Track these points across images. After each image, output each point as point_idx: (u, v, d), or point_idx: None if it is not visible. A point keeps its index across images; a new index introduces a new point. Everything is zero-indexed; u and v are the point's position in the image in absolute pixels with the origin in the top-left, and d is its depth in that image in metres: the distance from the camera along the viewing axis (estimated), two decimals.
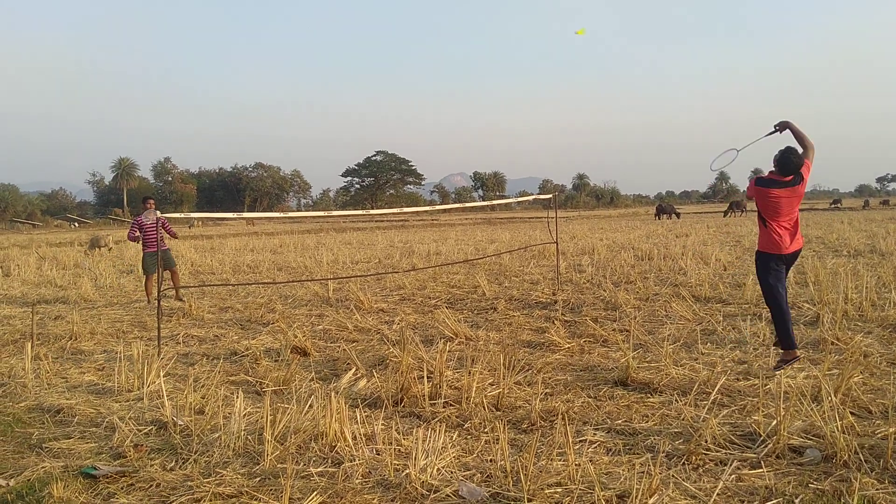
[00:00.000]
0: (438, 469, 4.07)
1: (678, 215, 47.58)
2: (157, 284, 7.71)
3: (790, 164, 5.98)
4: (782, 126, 6.37)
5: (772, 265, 6.14)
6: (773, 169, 6.12)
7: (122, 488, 4.00)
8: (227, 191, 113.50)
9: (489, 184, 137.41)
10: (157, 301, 7.54)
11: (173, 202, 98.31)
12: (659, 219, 46.31)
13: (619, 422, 4.92)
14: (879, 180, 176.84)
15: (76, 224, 73.49)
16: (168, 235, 12.36)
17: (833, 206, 67.16)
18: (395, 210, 11.34)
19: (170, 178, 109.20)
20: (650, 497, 3.52)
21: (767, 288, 6.18)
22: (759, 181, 6.16)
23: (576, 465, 4.01)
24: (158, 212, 11.09)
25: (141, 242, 11.67)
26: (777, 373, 5.94)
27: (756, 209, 6.28)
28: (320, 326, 9.08)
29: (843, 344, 6.80)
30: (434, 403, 5.39)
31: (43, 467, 4.32)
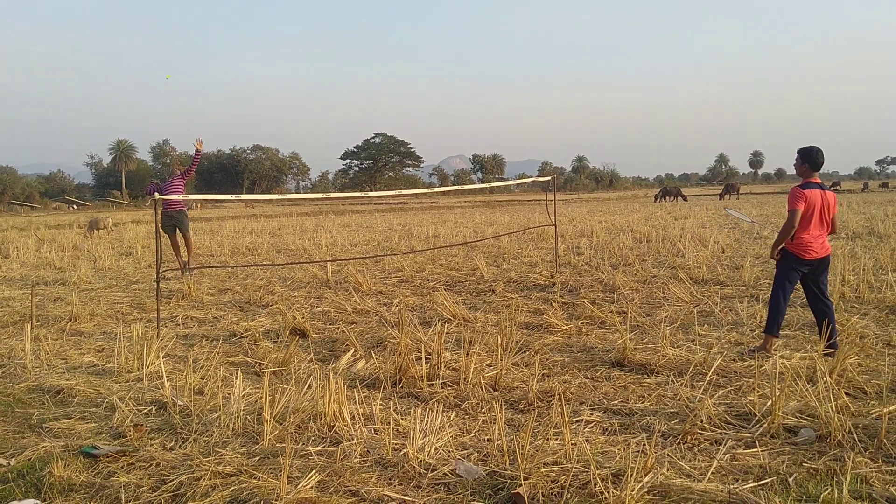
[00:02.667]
0: (436, 448, 4.10)
1: (684, 198, 47.36)
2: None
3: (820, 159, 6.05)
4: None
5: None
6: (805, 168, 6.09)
7: (122, 467, 4.03)
8: (225, 173, 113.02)
9: (488, 166, 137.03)
10: (155, 283, 7.56)
11: None
12: (657, 202, 46.21)
13: (616, 402, 4.96)
14: (879, 163, 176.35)
15: (74, 206, 73.35)
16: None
17: (832, 188, 67.09)
18: (393, 192, 11.34)
19: (168, 161, 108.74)
20: (645, 475, 3.55)
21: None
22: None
23: (572, 444, 4.04)
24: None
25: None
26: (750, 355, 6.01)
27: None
28: (319, 308, 9.11)
29: (840, 325, 6.83)
30: (432, 384, 5.42)
31: (43, 447, 4.35)
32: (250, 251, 17.89)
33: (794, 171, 6.36)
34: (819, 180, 6.11)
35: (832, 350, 5.85)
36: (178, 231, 12.54)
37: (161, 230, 11.84)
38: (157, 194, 10.22)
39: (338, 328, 7.79)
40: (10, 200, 77.44)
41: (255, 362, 6.32)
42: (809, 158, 6.07)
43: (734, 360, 5.87)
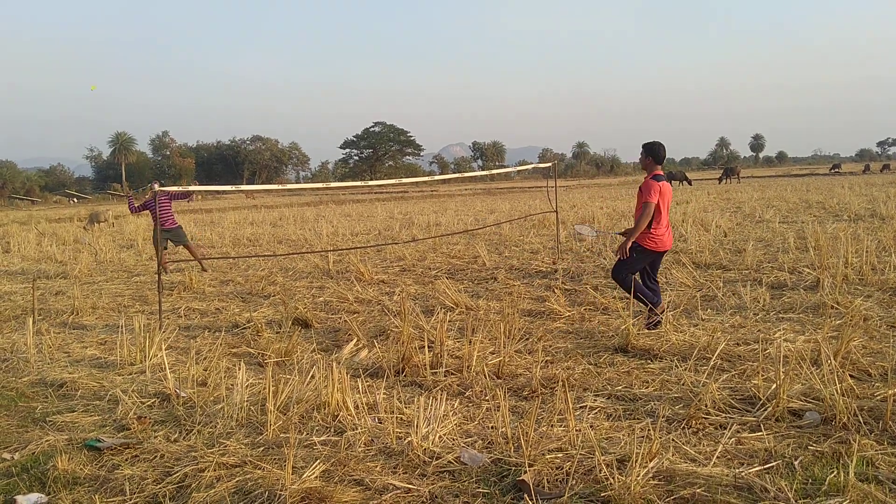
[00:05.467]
0: (440, 436, 4.10)
1: (689, 182, 46.99)
2: (157, 259, 7.80)
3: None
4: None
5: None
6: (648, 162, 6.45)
7: (126, 460, 4.03)
8: (225, 164, 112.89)
9: (488, 154, 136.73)
10: (157, 276, 7.55)
11: (172, 177, 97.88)
12: None
13: (620, 388, 4.94)
14: (880, 144, 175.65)
15: (75, 200, 73.32)
16: (184, 201, 12.64)
17: (833, 171, 66.87)
18: (393, 181, 11.31)
19: (168, 153, 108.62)
20: (650, 461, 3.54)
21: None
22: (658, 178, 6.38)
23: (576, 430, 4.03)
24: (156, 185, 11.34)
25: (152, 217, 11.99)
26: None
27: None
28: (321, 298, 9.10)
29: (843, 308, 6.81)
30: (435, 372, 5.41)
31: (47, 441, 4.35)
32: (251, 242, 17.88)
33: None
34: (661, 171, 6.47)
35: (656, 321, 6.38)
36: (170, 243, 12.54)
37: (154, 243, 12.03)
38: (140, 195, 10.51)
39: (340, 318, 7.78)
40: (10, 195, 77.40)
41: (258, 353, 6.32)
42: (653, 153, 6.40)
43: (738, 344, 5.85)
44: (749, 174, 71.19)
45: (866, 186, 30.97)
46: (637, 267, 6.53)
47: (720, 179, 49.97)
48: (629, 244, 6.37)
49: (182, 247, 12.62)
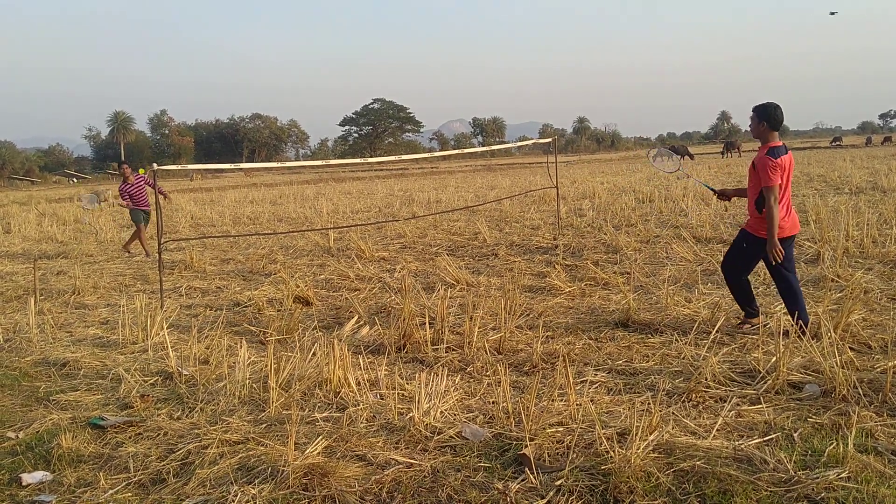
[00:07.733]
0: (442, 412, 4.12)
1: (691, 157, 46.74)
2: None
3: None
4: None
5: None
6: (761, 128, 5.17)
7: (129, 437, 4.05)
8: (224, 143, 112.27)
9: (489, 129, 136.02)
10: (158, 254, 7.54)
11: (171, 155, 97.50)
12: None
13: (620, 362, 4.96)
14: (882, 117, 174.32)
15: (74, 179, 73.15)
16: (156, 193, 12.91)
17: (834, 143, 66.46)
18: (393, 158, 11.27)
19: (166, 132, 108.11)
20: (650, 434, 3.56)
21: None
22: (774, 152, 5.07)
23: (577, 404, 4.05)
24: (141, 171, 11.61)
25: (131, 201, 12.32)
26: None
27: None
28: (322, 276, 9.11)
29: (844, 280, 6.81)
30: (436, 349, 5.43)
31: (51, 419, 4.37)
32: (252, 220, 17.87)
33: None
34: (781, 141, 5.21)
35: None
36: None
37: (135, 221, 12.28)
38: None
39: (341, 295, 7.79)
40: (9, 175, 77.25)
41: (260, 331, 6.33)
42: (767, 116, 5.13)
43: (738, 317, 5.85)
44: (751, 148, 70.72)
45: (868, 159, 30.82)
46: (754, 263, 5.48)
47: (723, 153, 49.75)
48: (777, 246, 5.04)
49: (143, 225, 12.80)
